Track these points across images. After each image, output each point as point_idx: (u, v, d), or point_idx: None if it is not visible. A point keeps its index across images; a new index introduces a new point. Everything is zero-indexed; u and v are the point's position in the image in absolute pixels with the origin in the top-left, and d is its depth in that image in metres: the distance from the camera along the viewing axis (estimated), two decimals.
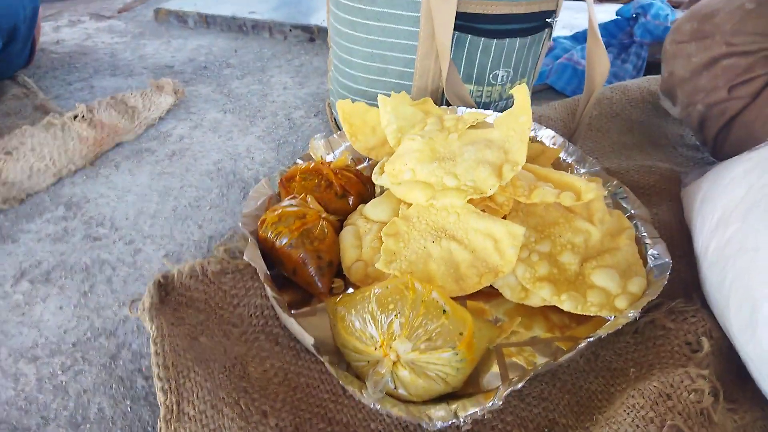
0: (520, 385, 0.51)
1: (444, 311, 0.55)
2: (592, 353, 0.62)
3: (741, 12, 0.82)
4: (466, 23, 0.83)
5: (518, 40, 0.86)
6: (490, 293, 0.66)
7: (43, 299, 0.71)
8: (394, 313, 0.55)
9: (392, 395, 0.55)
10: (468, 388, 0.57)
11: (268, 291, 0.61)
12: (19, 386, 0.61)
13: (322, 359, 0.55)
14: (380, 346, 0.54)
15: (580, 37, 1.30)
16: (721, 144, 0.86)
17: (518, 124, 0.67)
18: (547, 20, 0.87)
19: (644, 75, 1.19)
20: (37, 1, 1.18)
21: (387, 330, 0.54)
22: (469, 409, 0.51)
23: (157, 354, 0.56)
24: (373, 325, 0.55)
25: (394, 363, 0.54)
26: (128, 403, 0.59)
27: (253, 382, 0.57)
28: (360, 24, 0.87)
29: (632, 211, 0.73)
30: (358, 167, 0.83)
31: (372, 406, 0.52)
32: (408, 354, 0.53)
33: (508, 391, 0.51)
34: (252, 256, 0.64)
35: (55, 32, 1.60)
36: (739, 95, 0.81)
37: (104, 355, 0.64)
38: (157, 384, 0.54)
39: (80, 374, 0.62)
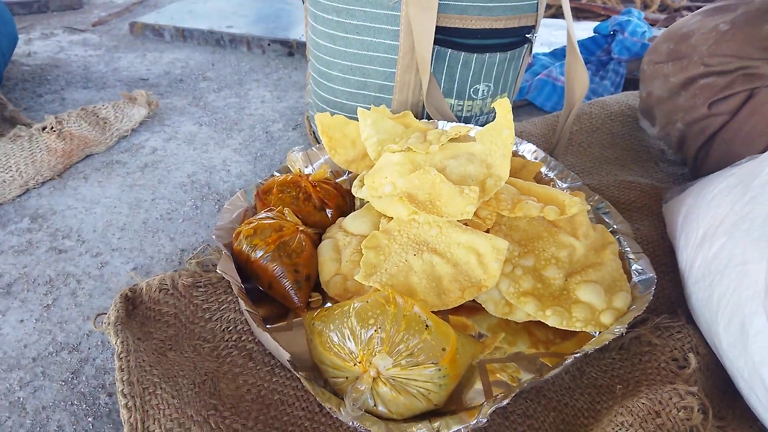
0: (505, 402, 0.49)
1: (426, 326, 0.53)
2: (577, 370, 0.60)
3: (716, 34, 0.83)
4: (446, 37, 0.82)
5: (498, 54, 0.85)
6: (473, 308, 0.64)
7: (2, 312, 0.67)
8: (374, 328, 0.52)
9: (372, 413, 0.52)
10: (450, 405, 0.55)
11: (242, 305, 0.59)
12: None
13: (298, 375, 0.53)
14: (360, 362, 0.52)
15: (558, 54, 1.31)
16: (701, 162, 0.86)
17: (501, 138, 0.66)
18: (527, 35, 0.87)
19: (623, 91, 1.20)
20: (16, 37, 1.15)
21: (367, 345, 0.52)
22: (452, 427, 0.49)
23: (121, 370, 0.53)
24: (352, 340, 0.52)
25: (374, 379, 0.51)
26: (90, 420, 0.56)
27: (224, 400, 0.54)
28: (339, 37, 0.86)
29: (615, 226, 0.72)
30: (337, 180, 0.81)
31: (350, 424, 0.50)
32: (389, 370, 0.51)
33: (493, 408, 0.49)
34: (226, 268, 0.62)
35: (27, 45, 1.56)
36: (719, 112, 0.81)
37: (66, 370, 0.61)
38: (121, 401, 0.51)
39: (39, 390, 0.59)
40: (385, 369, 0.51)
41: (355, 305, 0.55)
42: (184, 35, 1.59)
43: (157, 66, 1.43)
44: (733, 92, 0.80)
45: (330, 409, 0.50)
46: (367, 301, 0.55)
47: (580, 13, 1.77)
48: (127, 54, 1.51)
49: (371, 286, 0.63)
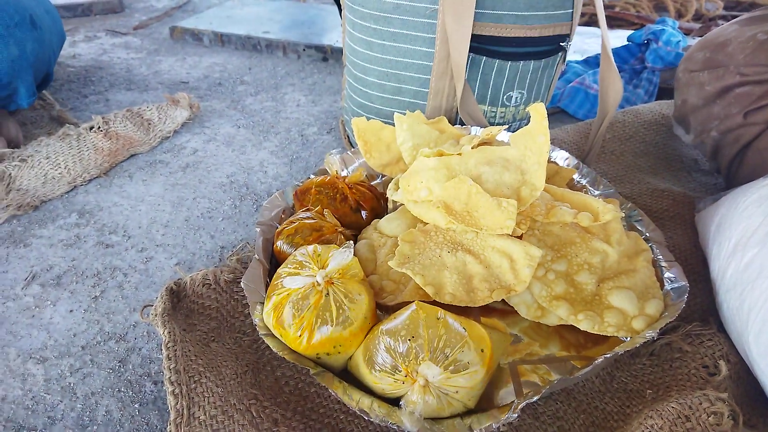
0: (535, 399, 0.50)
1: (463, 331, 0.54)
2: (607, 374, 0.61)
3: (754, 43, 0.83)
4: (481, 45, 0.84)
5: (532, 62, 0.87)
6: (504, 311, 0.66)
7: (53, 302, 0.71)
8: (409, 338, 0.53)
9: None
10: (481, 404, 0.56)
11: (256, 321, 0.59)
12: (27, 386, 0.60)
13: (334, 393, 0.53)
14: (405, 376, 0.52)
15: (591, 62, 1.32)
16: (735, 171, 0.86)
17: (536, 145, 0.67)
18: (561, 44, 0.88)
19: (656, 100, 1.20)
20: (64, 35, 1.20)
21: (407, 356, 0.52)
22: (483, 423, 0.51)
23: (169, 358, 0.56)
24: (390, 356, 0.53)
25: (424, 387, 0.52)
26: (137, 406, 0.59)
27: (264, 390, 0.57)
28: (376, 44, 0.88)
29: (647, 234, 0.73)
30: (372, 184, 0.83)
31: (378, 422, 0.51)
32: (437, 378, 0.51)
33: (524, 403, 0.50)
34: (251, 279, 0.63)
35: (72, 47, 1.62)
36: (755, 121, 0.81)
37: (113, 358, 0.64)
38: (168, 388, 0.53)
39: (89, 377, 0.62)
40: (433, 378, 0.51)
41: (383, 327, 0.55)
42: (222, 40, 1.64)
43: (197, 70, 1.47)
44: None
45: (361, 411, 0.51)
46: (393, 319, 0.56)
47: (613, 22, 1.77)
48: (167, 57, 1.56)
49: (405, 289, 0.65)
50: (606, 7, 1.82)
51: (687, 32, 1.42)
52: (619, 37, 1.46)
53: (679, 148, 1.01)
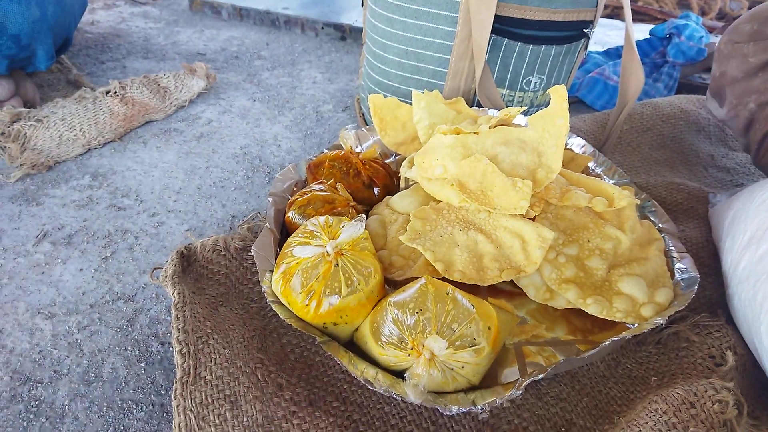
0: (540, 377, 0.50)
1: (471, 307, 0.54)
2: (612, 360, 0.61)
3: None
4: (503, 27, 0.83)
5: (554, 47, 0.86)
6: (513, 292, 0.66)
7: (63, 261, 0.72)
8: (417, 311, 0.53)
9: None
10: (485, 382, 0.56)
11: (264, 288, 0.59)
12: (34, 340, 0.61)
13: (339, 362, 0.54)
14: (412, 348, 0.52)
15: (612, 53, 1.31)
16: (766, 148, 0.84)
17: (554, 127, 0.67)
18: (585, 30, 0.87)
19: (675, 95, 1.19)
20: (86, 2, 1.19)
21: (413, 329, 0.52)
22: (487, 398, 0.51)
23: (177, 318, 0.56)
24: (398, 329, 0.53)
25: (429, 361, 0.52)
26: (142, 365, 0.59)
27: (270, 356, 0.57)
28: (397, 21, 0.88)
29: (660, 225, 0.72)
30: (385, 162, 0.83)
31: (383, 392, 0.51)
32: (443, 352, 0.51)
33: (528, 381, 0.50)
34: (260, 247, 0.63)
35: (91, 14, 1.62)
36: None
37: (121, 318, 0.64)
38: (176, 347, 0.54)
39: (96, 334, 0.62)
40: (440, 351, 0.51)
41: (391, 299, 0.55)
42: (241, 14, 1.63)
43: (215, 42, 1.47)
44: None
45: (366, 381, 0.52)
46: (402, 291, 0.56)
47: (635, 16, 1.74)
48: (185, 29, 1.56)
49: (414, 266, 0.65)
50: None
51: (710, 30, 1.40)
52: (640, 31, 1.44)
53: (696, 143, 1.00)
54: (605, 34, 1.50)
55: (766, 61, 0.82)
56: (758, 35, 0.84)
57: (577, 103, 1.20)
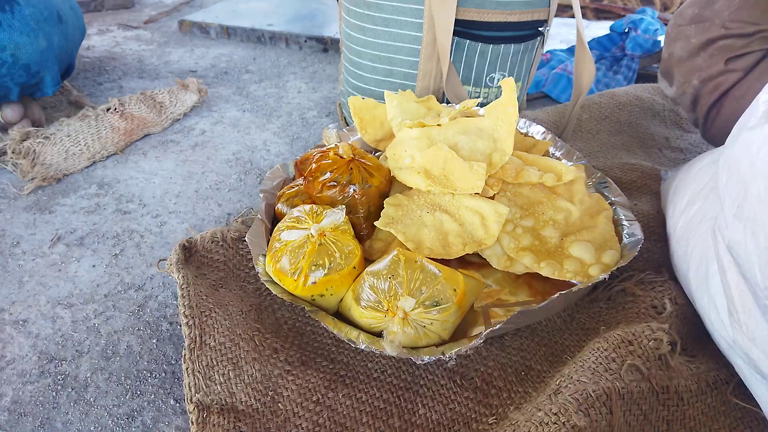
0: (498, 326, 0.58)
1: (438, 272, 0.62)
2: (568, 315, 0.69)
3: (739, 1, 0.90)
4: (464, 29, 0.92)
5: (512, 46, 0.95)
6: (480, 264, 0.74)
7: (77, 259, 0.80)
8: (389, 276, 0.61)
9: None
10: (456, 338, 0.64)
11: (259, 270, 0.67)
12: (57, 326, 0.69)
13: (326, 327, 0.62)
14: (387, 309, 0.60)
15: (575, 51, 1.39)
16: (712, 120, 0.92)
17: (506, 115, 0.75)
18: (540, 29, 0.96)
19: None
20: (84, 29, 1.28)
21: (388, 293, 0.60)
22: (454, 349, 0.58)
23: (183, 296, 0.64)
24: (374, 293, 0.61)
25: (403, 319, 0.60)
26: (154, 342, 0.67)
27: (266, 326, 0.65)
28: (369, 29, 0.96)
29: (612, 199, 0.80)
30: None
31: (364, 348, 0.59)
32: (413, 310, 0.59)
33: (487, 331, 0.58)
34: (253, 234, 0.71)
35: (86, 40, 1.71)
36: (734, 68, 0.86)
37: (133, 304, 0.72)
38: (183, 320, 0.62)
39: (111, 319, 0.70)
40: (410, 310, 0.60)
41: (367, 269, 0.64)
42: (228, 32, 1.72)
43: (205, 60, 1.56)
44: (749, 51, 0.86)
45: (349, 340, 0.60)
46: (377, 262, 0.64)
47: (601, 14, 1.84)
48: (176, 49, 1.65)
49: (391, 247, 0.73)
50: None
51: (665, 22, 1.49)
52: (604, 28, 1.53)
53: (651, 127, 1.08)
54: (570, 33, 1.59)
55: (705, 41, 0.91)
56: (698, 18, 0.92)
57: (544, 98, 1.28)
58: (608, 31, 1.37)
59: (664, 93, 1.04)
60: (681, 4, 1.85)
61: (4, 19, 0.96)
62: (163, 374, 0.64)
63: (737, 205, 0.49)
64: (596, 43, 1.35)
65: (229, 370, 0.59)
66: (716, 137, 0.92)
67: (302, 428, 0.56)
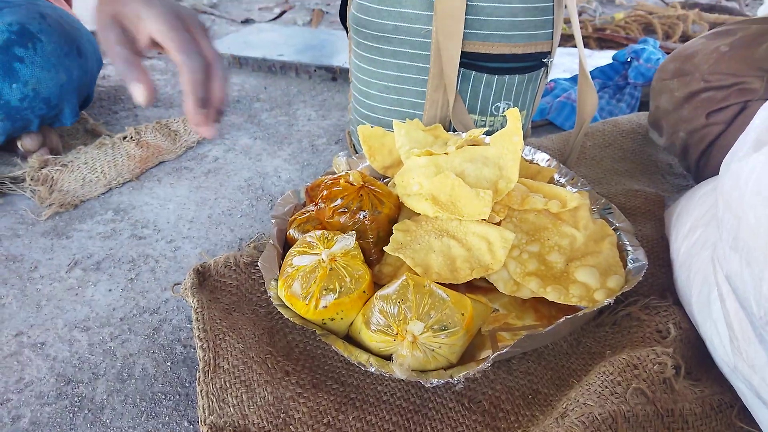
0: (505, 350, 0.59)
1: (446, 297, 0.64)
2: (574, 339, 0.71)
3: (717, 54, 0.94)
4: (470, 61, 0.95)
5: (517, 76, 0.97)
6: (487, 288, 0.75)
7: (94, 283, 0.82)
8: (398, 301, 0.63)
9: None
10: (464, 362, 0.66)
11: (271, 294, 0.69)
12: (74, 349, 0.71)
13: (336, 350, 0.64)
14: (396, 333, 0.62)
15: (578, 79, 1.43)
16: (702, 168, 0.95)
17: (511, 144, 0.78)
18: (543, 60, 0.99)
19: None
20: (102, 62, 1.32)
21: (397, 317, 0.62)
22: (462, 372, 0.60)
23: (197, 320, 0.66)
24: (384, 318, 0.62)
25: (412, 343, 0.62)
26: (169, 364, 0.69)
27: (278, 349, 0.66)
28: (378, 61, 1.00)
29: (616, 224, 0.82)
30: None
31: (374, 371, 0.61)
32: (422, 334, 0.61)
33: (495, 355, 0.59)
34: (266, 259, 0.73)
35: (102, 70, 1.75)
36: (716, 121, 0.90)
37: (148, 327, 0.74)
38: (197, 343, 0.63)
39: (127, 342, 0.72)
40: (419, 333, 0.61)
41: (377, 293, 0.66)
42: (240, 62, 1.77)
43: None
44: (728, 104, 0.90)
45: (359, 364, 0.61)
46: (387, 287, 0.66)
47: (604, 44, 1.88)
48: None
49: (400, 272, 0.74)
50: (597, 29, 1.94)
51: (668, 52, 1.52)
52: (606, 57, 1.57)
53: (654, 153, 1.10)
54: (573, 62, 1.62)
55: (688, 94, 0.95)
56: (679, 72, 0.97)
57: (548, 125, 1.31)
58: (611, 60, 1.40)
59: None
60: (682, 33, 1.90)
61: (26, 56, 1.00)
62: (177, 396, 0.65)
63: (732, 237, 0.51)
64: (599, 72, 1.38)
65: (242, 392, 0.61)
66: None
67: None
